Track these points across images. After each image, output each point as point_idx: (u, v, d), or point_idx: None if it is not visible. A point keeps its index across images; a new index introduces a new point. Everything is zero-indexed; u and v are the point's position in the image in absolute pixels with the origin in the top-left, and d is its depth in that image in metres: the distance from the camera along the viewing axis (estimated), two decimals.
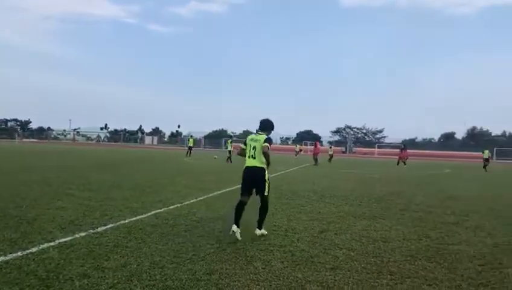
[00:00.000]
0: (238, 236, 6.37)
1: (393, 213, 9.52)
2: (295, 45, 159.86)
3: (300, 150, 53.52)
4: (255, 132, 7.28)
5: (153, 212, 8.39)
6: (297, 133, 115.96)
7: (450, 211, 10.11)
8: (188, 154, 36.81)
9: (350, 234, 7.15)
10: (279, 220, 8.11)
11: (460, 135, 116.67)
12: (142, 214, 8.07)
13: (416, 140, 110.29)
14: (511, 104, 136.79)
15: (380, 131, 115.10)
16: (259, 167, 6.70)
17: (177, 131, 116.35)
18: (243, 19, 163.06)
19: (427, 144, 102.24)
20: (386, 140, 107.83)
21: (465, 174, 27.12)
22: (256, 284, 4.53)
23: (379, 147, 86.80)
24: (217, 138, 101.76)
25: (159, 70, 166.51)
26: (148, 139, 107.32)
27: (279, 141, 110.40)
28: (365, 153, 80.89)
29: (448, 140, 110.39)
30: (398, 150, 39.09)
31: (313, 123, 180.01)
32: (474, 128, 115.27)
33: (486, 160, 33.06)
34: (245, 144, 6.95)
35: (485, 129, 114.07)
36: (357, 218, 8.71)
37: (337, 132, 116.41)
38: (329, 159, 37.73)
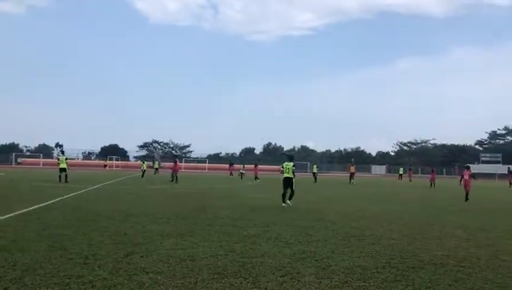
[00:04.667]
0: (286, 205, 14.89)
1: (200, 229, 9.53)
2: (97, 52, 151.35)
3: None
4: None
5: None
6: (101, 148, 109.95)
7: (252, 223, 10.64)
8: None
9: (157, 255, 6.81)
10: (77, 245, 7.26)
11: (258, 150, 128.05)
12: None
13: (220, 155, 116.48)
14: (300, 122, 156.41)
15: (187, 146, 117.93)
16: (290, 177, 15.24)
17: None
18: (44, 22, 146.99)
19: (229, 158, 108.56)
20: (193, 155, 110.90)
21: (266, 186, 29.45)
22: None
23: (186, 162, 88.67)
24: (4, 152, 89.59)
25: None
26: None
27: (81, 156, 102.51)
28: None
29: (248, 154, 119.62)
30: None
31: (118, 137, 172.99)
32: (269, 144, 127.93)
33: (314, 173, 40.90)
34: (283, 167, 15.75)
35: (278, 145, 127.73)
36: (165, 237, 8.43)
37: (144, 146, 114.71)
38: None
